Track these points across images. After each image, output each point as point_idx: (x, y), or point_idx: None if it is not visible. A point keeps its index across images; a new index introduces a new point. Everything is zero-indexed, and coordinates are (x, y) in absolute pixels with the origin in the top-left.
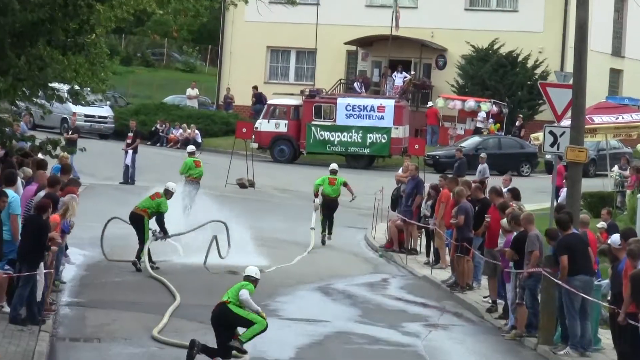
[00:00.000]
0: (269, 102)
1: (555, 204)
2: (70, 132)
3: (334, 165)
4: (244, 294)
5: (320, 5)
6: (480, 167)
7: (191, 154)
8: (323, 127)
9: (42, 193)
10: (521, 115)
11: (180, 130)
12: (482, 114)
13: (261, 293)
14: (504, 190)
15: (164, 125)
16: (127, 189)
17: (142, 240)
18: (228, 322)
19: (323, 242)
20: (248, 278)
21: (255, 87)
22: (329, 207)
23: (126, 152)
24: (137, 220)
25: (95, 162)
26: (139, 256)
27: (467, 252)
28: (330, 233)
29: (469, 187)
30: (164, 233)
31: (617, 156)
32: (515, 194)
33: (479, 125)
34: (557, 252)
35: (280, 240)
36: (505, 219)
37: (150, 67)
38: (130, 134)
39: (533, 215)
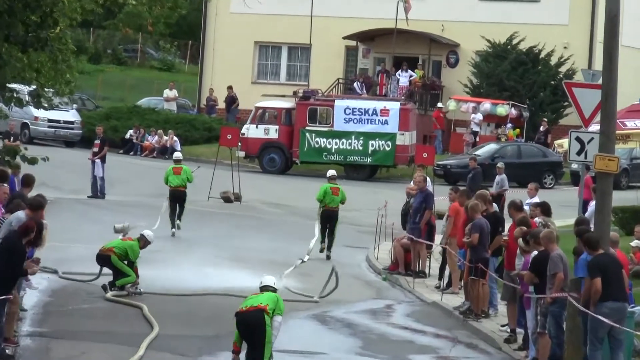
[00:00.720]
0: (257, 104)
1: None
2: (11, 139)
3: (332, 172)
4: (280, 320)
5: None
6: (497, 178)
7: (177, 161)
8: (319, 133)
9: (20, 214)
10: (546, 119)
11: (157, 137)
12: (477, 116)
13: None
14: (530, 201)
15: (138, 132)
16: (96, 204)
17: (122, 274)
18: (262, 333)
19: (321, 251)
20: (268, 289)
21: (229, 88)
22: (332, 219)
23: (93, 162)
24: (105, 261)
25: (60, 173)
26: (113, 283)
27: (482, 275)
28: (330, 247)
29: (485, 200)
30: (111, 285)
31: None
32: (545, 209)
33: (474, 128)
34: (589, 274)
35: (269, 262)
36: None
37: (122, 66)
38: (97, 142)
39: (554, 233)
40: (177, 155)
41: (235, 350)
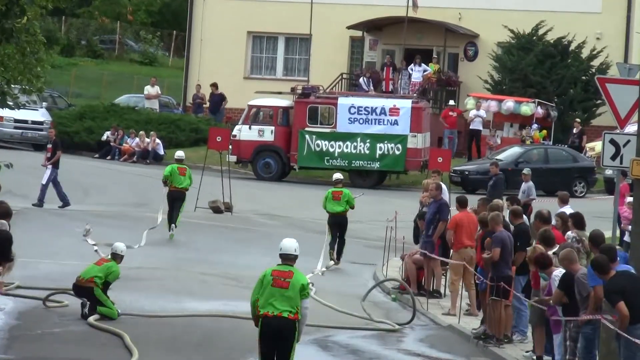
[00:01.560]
0: (250, 103)
1: (617, 232)
2: None
3: (337, 175)
4: (308, 304)
5: None
6: (524, 185)
7: (179, 160)
8: (320, 135)
9: None
10: (579, 120)
11: (137, 140)
12: (480, 113)
13: (241, 347)
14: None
15: (116, 133)
16: (69, 215)
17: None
18: (290, 344)
19: (331, 259)
20: (290, 257)
21: (213, 85)
22: (338, 226)
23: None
24: (86, 294)
25: (28, 179)
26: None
27: (505, 295)
28: (339, 256)
29: (499, 210)
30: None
31: None
32: (577, 222)
33: (475, 126)
34: (610, 302)
35: None
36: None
37: (98, 59)
38: (50, 146)
39: (574, 253)
40: (180, 154)
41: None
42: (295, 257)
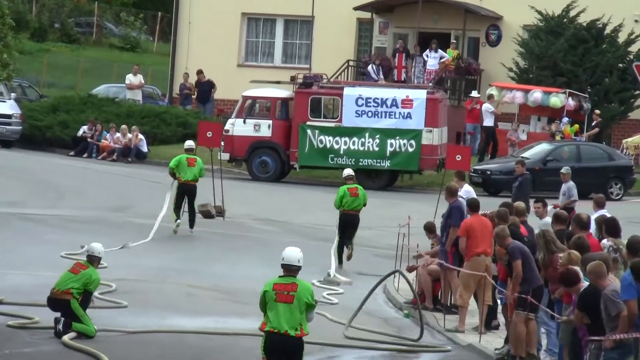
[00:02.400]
0: (245, 93)
1: None
2: None
3: (348, 171)
4: (314, 316)
5: None
6: (564, 187)
7: (189, 150)
8: (323, 129)
9: None
10: (598, 112)
11: (118, 135)
12: (487, 106)
13: None
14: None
15: (93, 128)
16: (42, 220)
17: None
18: (299, 358)
19: (348, 258)
20: (292, 269)
21: (200, 72)
22: (352, 225)
23: None
24: (62, 307)
25: None
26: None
27: (533, 309)
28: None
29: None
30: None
31: None
32: (610, 227)
33: (487, 123)
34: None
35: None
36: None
37: (73, 44)
38: None
39: (604, 266)
40: (190, 143)
41: None
42: (299, 268)
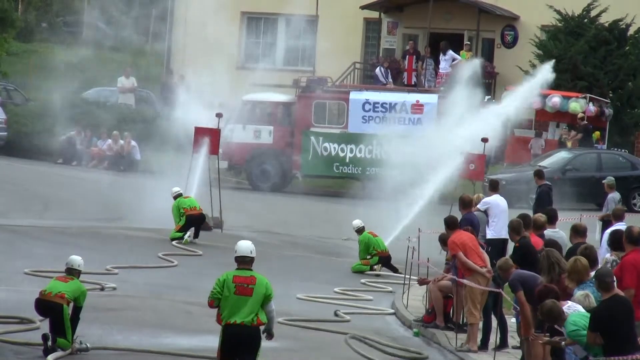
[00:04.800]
0: (244, 97)
1: None
2: None
3: (358, 222)
4: (274, 308)
5: None
6: (609, 196)
7: (177, 195)
8: (328, 136)
9: None
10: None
11: (109, 141)
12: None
13: None
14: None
15: (82, 134)
16: (27, 232)
17: (61, 332)
18: (256, 350)
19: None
20: (246, 260)
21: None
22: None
23: None
24: (52, 312)
25: None
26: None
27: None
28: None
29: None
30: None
31: None
32: (614, 241)
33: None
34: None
35: None
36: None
37: (62, 45)
38: None
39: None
40: (176, 189)
41: None
42: (252, 259)
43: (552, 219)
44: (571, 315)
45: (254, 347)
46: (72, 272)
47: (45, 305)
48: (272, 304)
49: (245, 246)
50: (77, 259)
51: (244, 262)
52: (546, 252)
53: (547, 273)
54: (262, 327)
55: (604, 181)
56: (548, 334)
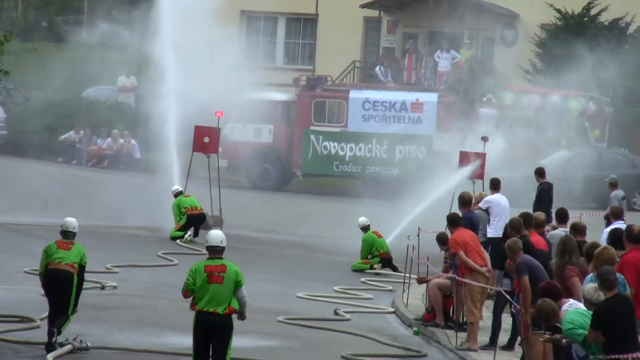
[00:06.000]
0: (245, 97)
1: None
2: None
3: (363, 220)
4: (245, 293)
5: None
6: (612, 194)
7: (178, 193)
8: (328, 135)
9: None
10: None
11: (109, 140)
12: (490, 112)
13: None
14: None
15: (80, 133)
16: (28, 231)
17: (65, 309)
18: (227, 339)
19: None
20: (217, 249)
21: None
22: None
23: None
24: (64, 280)
25: None
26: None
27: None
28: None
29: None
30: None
31: None
32: (613, 240)
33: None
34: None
35: (262, 310)
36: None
37: (61, 44)
38: None
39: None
40: (176, 187)
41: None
42: (223, 248)
43: (563, 218)
44: (568, 313)
45: (227, 334)
46: (67, 235)
47: (57, 274)
48: (243, 290)
49: (216, 235)
50: (72, 221)
51: (215, 251)
52: (565, 238)
53: (559, 257)
54: (234, 315)
55: (606, 179)
56: (549, 332)
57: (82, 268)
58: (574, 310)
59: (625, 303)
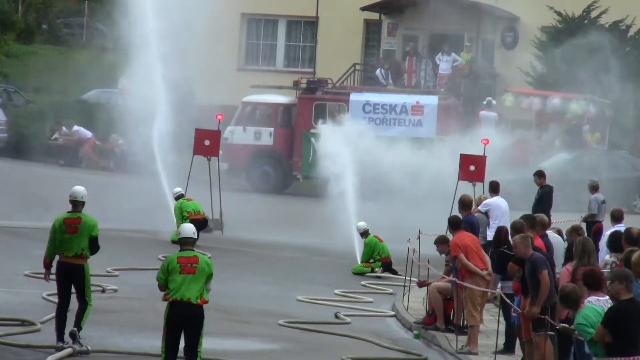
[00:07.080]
0: (244, 99)
1: None
2: None
3: (363, 224)
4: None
5: None
6: (592, 197)
7: (179, 196)
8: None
9: None
10: None
11: (64, 130)
12: (490, 114)
13: None
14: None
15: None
16: (28, 234)
17: (83, 297)
18: (199, 328)
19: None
20: (189, 241)
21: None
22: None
23: None
24: (76, 272)
25: None
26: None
27: (552, 327)
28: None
29: (543, 226)
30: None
31: None
32: (613, 242)
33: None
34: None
35: (261, 313)
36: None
37: (62, 46)
38: None
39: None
40: (177, 189)
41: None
42: (195, 240)
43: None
44: (586, 307)
45: (198, 325)
46: (76, 205)
47: (68, 269)
48: (211, 283)
49: (188, 228)
50: (81, 190)
51: (187, 243)
52: (583, 239)
53: (579, 258)
54: (205, 306)
55: (587, 182)
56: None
57: (94, 240)
58: (591, 306)
59: (638, 308)
